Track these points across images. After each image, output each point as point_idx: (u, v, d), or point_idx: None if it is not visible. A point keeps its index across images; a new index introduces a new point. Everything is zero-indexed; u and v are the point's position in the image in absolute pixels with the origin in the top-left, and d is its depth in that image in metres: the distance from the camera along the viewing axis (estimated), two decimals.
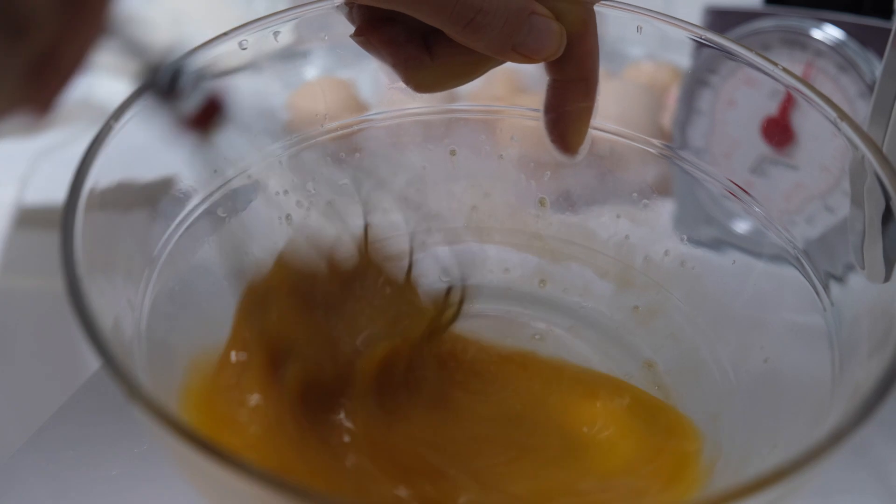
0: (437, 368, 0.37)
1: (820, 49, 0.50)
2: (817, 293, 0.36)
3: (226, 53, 0.38)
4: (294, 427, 0.32)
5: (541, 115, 0.39)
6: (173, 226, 0.36)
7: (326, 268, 0.36)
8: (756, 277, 0.40)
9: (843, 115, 0.36)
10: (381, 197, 0.37)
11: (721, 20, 0.53)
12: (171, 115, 0.29)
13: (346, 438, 0.33)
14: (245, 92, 0.40)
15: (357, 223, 0.37)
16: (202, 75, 0.29)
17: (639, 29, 0.41)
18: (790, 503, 0.28)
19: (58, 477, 0.39)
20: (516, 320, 0.44)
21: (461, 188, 0.45)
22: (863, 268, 0.35)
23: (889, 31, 0.39)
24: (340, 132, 0.43)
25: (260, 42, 0.39)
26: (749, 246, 0.41)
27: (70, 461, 0.39)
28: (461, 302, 0.38)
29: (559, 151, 0.39)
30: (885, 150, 0.39)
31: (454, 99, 0.45)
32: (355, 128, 0.43)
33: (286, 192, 0.41)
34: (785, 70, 0.38)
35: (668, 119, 0.52)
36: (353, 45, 0.36)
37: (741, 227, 0.41)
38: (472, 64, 0.36)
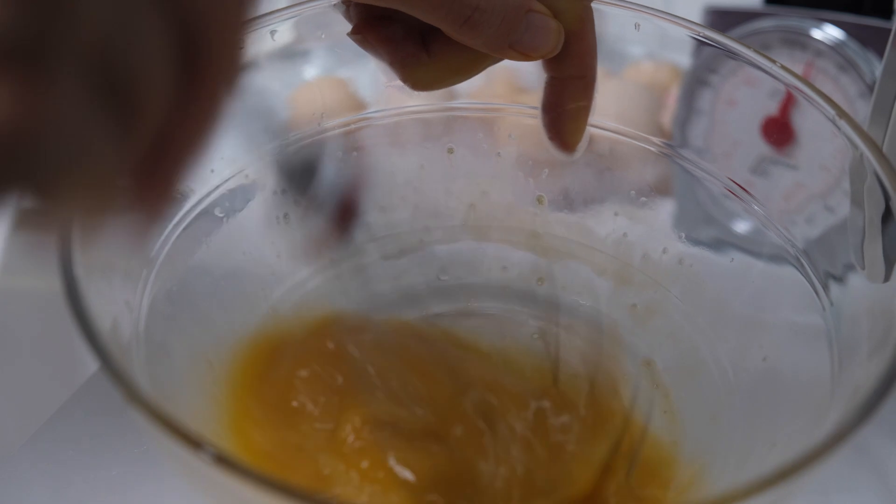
0: None
1: (820, 49, 0.50)
2: (816, 293, 0.36)
3: None
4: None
5: (539, 112, 0.39)
6: (171, 226, 0.36)
7: None
8: (755, 276, 0.40)
9: (842, 114, 0.36)
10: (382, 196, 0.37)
11: (721, 20, 0.53)
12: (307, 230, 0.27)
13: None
14: (245, 91, 0.40)
15: None
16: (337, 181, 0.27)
17: (637, 26, 0.41)
18: (790, 503, 0.28)
19: (58, 477, 0.39)
20: (514, 319, 0.44)
21: (459, 186, 0.45)
22: (863, 267, 0.35)
23: (889, 31, 0.39)
24: (338, 131, 0.43)
25: (257, 41, 0.39)
26: (748, 245, 0.41)
27: (70, 461, 0.39)
28: None
29: (557, 149, 0.39)
30: (885, 149, 0.39)
31: (453, 97, 0.45)
32: (353, 126, 0.43)
33: (283, 191, 0.41)
34: (784, 67, 0.38)
35: (668, 118, 0.52)
36: (352, 44, 0.36)
37: (741, 226, 0.41)
38: (470, 61, 0.36)
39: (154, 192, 0.21)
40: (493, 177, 0.45)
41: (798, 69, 0.50)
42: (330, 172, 0.26)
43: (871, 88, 0.48)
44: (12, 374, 0.44)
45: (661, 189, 0.44)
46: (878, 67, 0.43)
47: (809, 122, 0.38)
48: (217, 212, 0.38)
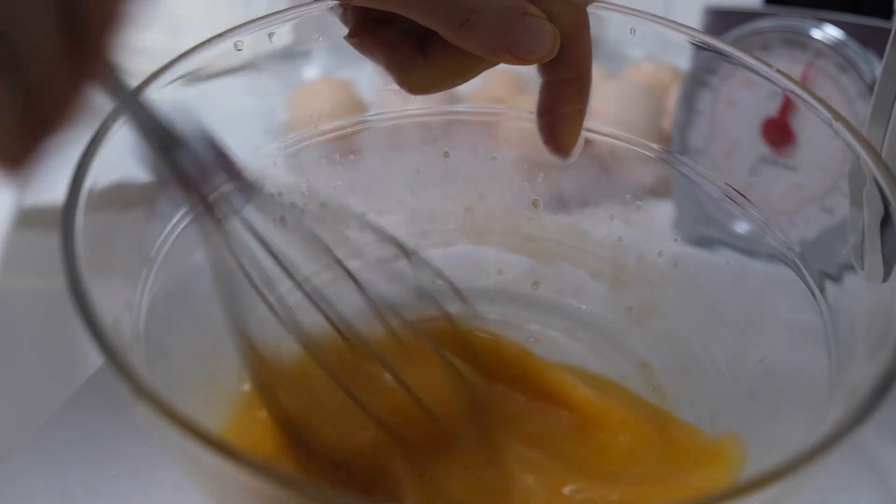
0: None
1: (820, 49, 0.50)
2: (813, 294, 0.36)
3: (221, 54, 0.38)
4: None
5: (534, 116, 0.39)
6: (169, 227, 0.36)
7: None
8: (751, 278, 0.40)
9: (839, 118, 0.36)
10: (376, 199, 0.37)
11: (721, 20, 0.53)
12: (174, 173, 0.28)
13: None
14: (242, 92, 0.40)
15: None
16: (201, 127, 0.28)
17: (632, 31, 0.41)
18: (788, 503, 0.28)
19: (58, 477, 0.39)
20: (511, 322, 0.44)
21: (455, 190, 0.45)
22: (862, 268, 0.35)
23: (889, 31, 0.39)
24: (336, 133, 0.43)
25: (255, 43, 0.39)
26: (746, 246, 0.41)
27: (70, 461, 0.40)
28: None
29: (553, 153, 0.39)
30: (885, 150, 0.39)
31: (451, 101, 0.45)
32: (349, 129, 0.43)
33: (280, 193, 0.41)
34: (779, 71, 0.38)
35: (667, 120, 0.52)
36: (351, 47, 0.36)
37: (738, 229, 0.41)
38: (466, 65, 0.36)
39: (22, 146, 0.22)
40: (489, 180, 0.45)
41: (798, 69, 0.50)
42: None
43: (871, 88, 0.48)
44: (12, 374, 0.45)
45: (656, 192, 0.44)
46: (878, 67, 0.43)
47: (808, 123, 0.38)
48: (214, 213, 0.38)
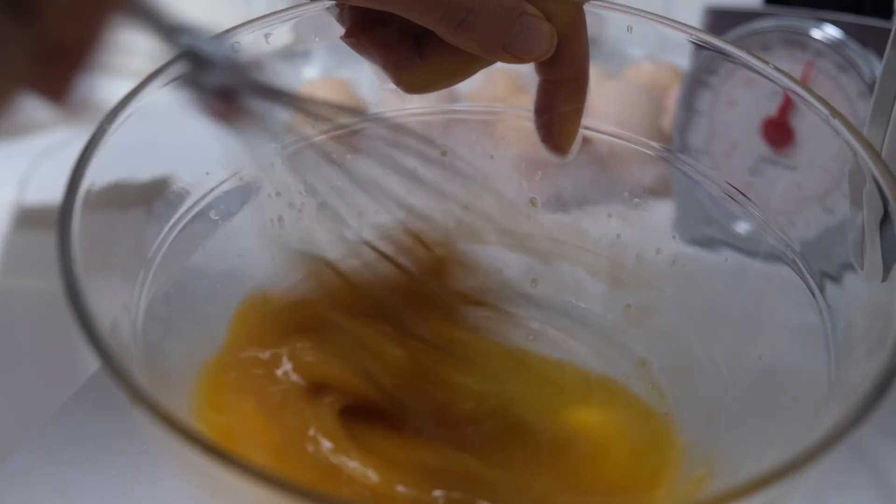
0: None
1: (820, 49, 0.50)
2: (813, 293, 0.36)
3: None
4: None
5: (532, 115, 0.39)
6: (167, 228, 0.36)
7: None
8: (750, 276, 0.40)
9: (839, 117, 0.36)
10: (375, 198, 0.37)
11: (721, 20, 0.53)
12: (199, 93, 0.28)
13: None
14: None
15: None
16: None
17: (629, 29, 0.41)
18: (786, 503, 0.28)
19: (58, 477, 0.39)
20: (510, 321, 0.44)
21: (453, 189, 0.45)
22: (862, 267, 0.35)
23: (889, 31, 0.39)
24: (334, 133, 0.43)
25: (252, 44, 0.39)
26: (745, 246, 0.41)
27: (70, 461, 0.40)
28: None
29: (550, 151, 0.39)
30: (885, 150, 0.39)
31: (448, 100, 0.45)
32: (347, 129, 0.43)
33: (278, 193, 0.41)
34: (776, 68, 0.38)
35: (667, 119, 0.52)
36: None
37: (738, 228, 0.41)
38: (463, 64, 0.36)
39: (59, 80, 0.23)
40: (487, 179, 0.45)
41: (798, 69, 0.50)
42: None
43: (871, 88, 0.48)
44: (12, 375, 0.45)
45: (654, 190, 0.44)
46: (878, 67, 0.43)
47: (808, 123, 0.38)
48: (212, 214, 0.39)
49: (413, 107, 0.44)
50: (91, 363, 0.44)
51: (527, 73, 0.38)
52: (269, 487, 0.24)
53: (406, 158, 0.36)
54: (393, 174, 0.35)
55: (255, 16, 0.40)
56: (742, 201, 0.41)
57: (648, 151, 0.43)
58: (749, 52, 0.39)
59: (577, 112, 0.38)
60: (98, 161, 0.32)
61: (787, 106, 0.45)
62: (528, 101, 0.40)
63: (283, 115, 0.31)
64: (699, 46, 0.41)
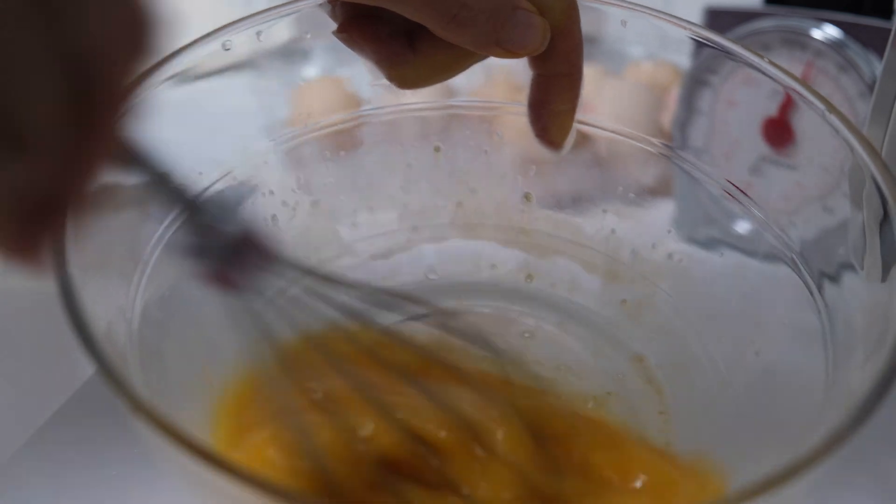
0: None
1: (820, 49, 0.50)
2: (811, 293, 0.36)
3: (210, 54, 0.38)
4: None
5: (526, 110, 0.39)
6: (161, 229, 0.36)
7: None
8: (748, 274, 0.40)
9: (839, 116, 0.36)
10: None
11: (721, 20, 0.53)
12: (203, 266, 0.27)
13: None
14: (233, 91, 0.40)
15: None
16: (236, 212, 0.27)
17: (623, 23, 0.41)
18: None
19: (58, 477, 0.39)
20: (505, 317, 0.44)
21: (447, 184, 0.45)
22: (861, 268, 0.35)
23: (889, 31, 0.39)
24: (326, 130, 0.43)
25: (245, 42, 0.39)
26: (743, 244, 0.41)
27: (70, 461, 0.40)
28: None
29: (544, 146, 0.39)
30: (885, 149, 0.39)
31: (443, 95, 0.45)
32: (340, 126, 0.43)
33: (271, 192, 0.41)
34: (773, 64, 0.38)
35: (668, 119, 0.52)
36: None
37: (737, 227, 0.41)
38: (456, 59, 0.36)
39: (34, 236, 0.21)
40: (481, 174, 0.45)
41: (798, 69, 0.50)
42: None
43: (871, 88, 0.48)
44: (12, 375, 0.45)
45: (649, 185, 0.44)
46: (878, 67, 0.43)
47: (809, 122, 0.38)
48: (205, 215, 0.38)
49: (404, 103, 0.44)
50: (91, 364, 0.44)
51: (525, 73, 0.38)
52: (267, 495, 0.24)
53: (401, 155, 0.36)
54: (388, 171, 0.35)
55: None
56: (742, 200, 0.41)
57: (648, 148, 0.43)
58: (744, 46, 0.39)
59: (571, 106, 0.38)
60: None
61: (788, 105, 0.45)
62: (519, 95, 0.40)
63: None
64: (697, 42, 0.41)
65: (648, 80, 0.56)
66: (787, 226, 0.39)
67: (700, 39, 0.40)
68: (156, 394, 0.31)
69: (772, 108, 0.46)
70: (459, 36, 0.34)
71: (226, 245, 0.27)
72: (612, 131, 0.44)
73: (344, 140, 0.43)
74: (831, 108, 0.36)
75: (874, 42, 0.49)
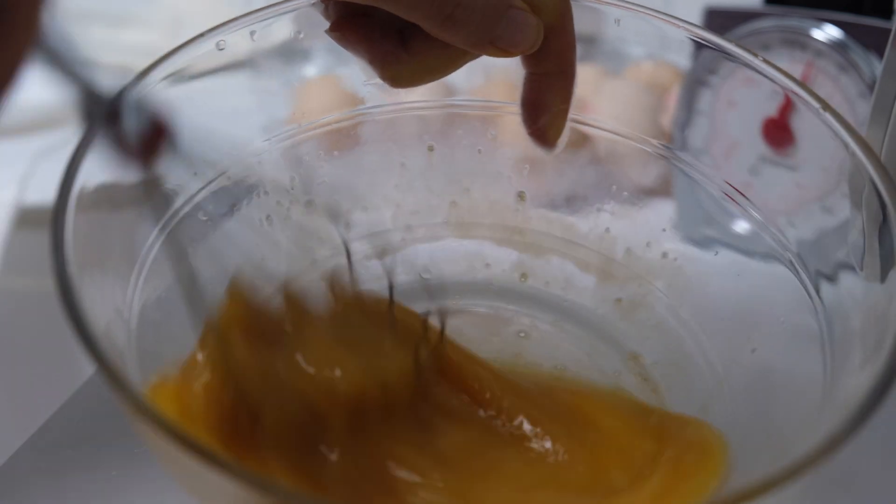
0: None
1: (820, 49, 0.50)
2: (808, 293, 0.36)
3: (204, 53, 0.38)
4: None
5: (519, 108, 0.39)
6: (156, 230, 0.36)
7: (291, 300, 0.34)
8: (743, 272, 0.40)
9: (826, 106, 0.36)
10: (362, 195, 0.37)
11: (721, 20, 0.53)
12: (114, 145, 0.27)
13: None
14: (228, 90, 0.40)
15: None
16: (143, 102, 0.27)
17: (617, 22, 0.41)
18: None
19: (58, 477, 0.39)
20: (500, 316, 0.44)
21: (440, 184, 0.45)
22: (861, 269, 0.35)
23: (889, 31, 0.39)
24: (320, 130, 0.43)
25: (238, 41, 0.39)
26: (741, 244, 0.41)
27: (70, 461, 0.40)
28: (441, 333, 0.36)
29: (538, 144, 0.39)
30: (885, 150, 0.39)
31: (436, 94, 0.45)
32: (333, 126, 0.43)
33: (266, 192, 0.41)
34: (766, 61, 0.38)
35: (667, 119, 0.52)
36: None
37: (735, 226, 0.41)
38: (449, 58, 0.36)
39: None
40: (474, 174, 0.45)
41: (798, 69, 0.50)
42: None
43: (871, 88, 0.48)
44: (11, 375, 0.45)
45: (646, 186, 0.44)
46: (878, 67, 0.43)
47: (809, 123, 0.38)
48: (200, 215, 0.39)
49: (406, 101, 0.44)
50: (90, 363, 0.44)
51: (522, 70, 0.38)
52: (264, 494, 0.24)
53: (395, 154, 0.35)
54: (382, 170, 0.35)
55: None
56: (741, 201, 0.41)
57: (647, 149, 0.43)
58: (741, 46, 0.39)
59: (565, 105, 0.38)
60: (91, 161, 0.32)
61: (788, 106, 0.45)
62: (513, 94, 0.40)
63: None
64: (695, 42, 0.41)
65: (648, 81, 0.56)
66: (786, 226, 0.39)
67: (697, 39, 0.40)
68: (154, 394, 0.31)
69: (772, 109, 0.46)
70: (453, 35, 0.34)
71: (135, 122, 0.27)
72: (612, 132, 0.44)
73: (339, 139, 0.43)
74: (830, 109, 0.36)
75: (874, 42, 0.49)
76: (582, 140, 0.44)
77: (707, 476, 0.34)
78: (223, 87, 0.39)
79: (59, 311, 0.27)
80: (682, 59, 0.49)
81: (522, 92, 0.38)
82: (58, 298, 0.27)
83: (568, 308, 0.45)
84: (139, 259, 0.35)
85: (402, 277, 0.38)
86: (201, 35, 0.38)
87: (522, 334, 0.43)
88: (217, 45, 0.38)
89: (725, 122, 0.50)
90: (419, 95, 0.43)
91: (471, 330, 0.40)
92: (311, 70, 0.48)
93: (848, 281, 0.34)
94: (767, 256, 0.39)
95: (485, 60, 0.36)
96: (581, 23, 0.37)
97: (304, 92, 0.46)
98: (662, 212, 0.44)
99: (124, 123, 0.27)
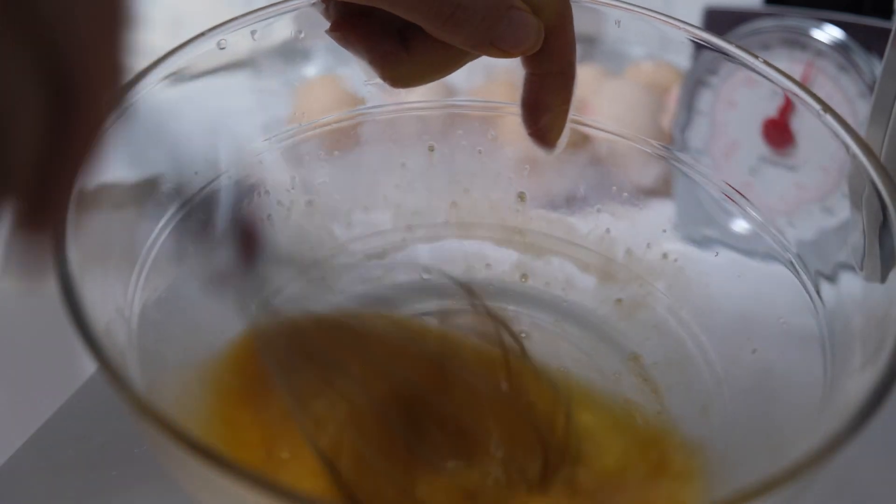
0: None
1: (820, 49, 0.50)
2: (808, 294, 0.36)
3: (204, 53, 0.38)
4: None
5: (519, 109, 0.39)
6: (157, 229, 0.36)
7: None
8: (743, 272, 0.40)
9: (836, 116, 0.36)
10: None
11: (721, 20, 0.53)
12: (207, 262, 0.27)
13: None
14: (227, 90, 0.40)
15: None
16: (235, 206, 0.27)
17: (617, 23, 0.41)
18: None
19: (57, 477, 0.39)
20: (500, 316, 0.44)
21: (441, 184, 0.45)
22: (861, 270, 0.35)
23: (889, 31, 0.39)
24: (320, 130, 0.43)
25: (238, 41, 0.39)
26: (741, 244, 0.41)
27: (69, 461, 0.40)
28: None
29: (538, 145, 0.39)
30: (885, 150, 0.39)
31: (436, 95, 0.45)
32: (334, 126, 0.43)
33: (266, 192, 0.41)
34: (766, 62, 0.38)
35: (668, 120, 0.52)
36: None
37: (735, 227, 0.41)
38: (449, 58, 0.36)
39: (42, 220, 0.21)
40: (475, 174, 0.45)
41: (798, 69, 0.50)
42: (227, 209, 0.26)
43: (871, 88, 0.48)
44: (11, 375, 0.45)
45: (646, 187, 0.44)
46: (878, 67, 0.43)
47: (808, 124, 0.38)
48: (201, 215, 0.39)
49: (407, 101, 0.44)
50: (90, 364, 0.44)
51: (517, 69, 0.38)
52: (268, 494, 0.24)
53: (396, 154, 0.35)
54: (383, 170, 0.35)
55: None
56: (741, 201, 0.41)
57: (647, 150, 0.43)
58: (740, 47, 0.39)
59: (565, 105, 0.38)
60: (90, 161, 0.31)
61: (787, 106, 0.45)
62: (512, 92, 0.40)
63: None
64: (693, 43, 0.41)
65: (648, 81, 0.56)
66: (786, 227, 0.39)
67: (695, 40, 0.40)
68: (156, 394, 0.31)
69: (772, 110, 0.46)
70: (454, 36, 0.34)
71: (222, 244, 0.27)
72: (612, 132, 0.44)
73: (340, 139, 0.43)
74: (830, 111, 0.36)
75: (874, 42, 0.49)
76: (582, 140, 0.44)
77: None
78: (223, 87, 0.39)
79: (60, 310, 0.27)
80: (682, 59, 0.49)
81: (523, 92, 0.38)
82: (59, 298, 0.27)
83: (568, 308, 0.45)
84: (140, 258, 0.35)
85: (402, 277, 0.38)
86: (201, 35, 0.38)
87: (523, 334, 0.43)
88: (218, 44, 0.38)
89: (725, 122, 0.50)
90: (419, 95, 0.43)
91: (471, 331, 0.40)
92: (311, 70, 0.48)
93: (848, 282, 0.35)
94: (767, 257, 0.39)
95: (485, 61, 0.36)
96: (581, 23, 0.37)
97: (304, 92, 0.46)
98: (662, 212, 0.44)
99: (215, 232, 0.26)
